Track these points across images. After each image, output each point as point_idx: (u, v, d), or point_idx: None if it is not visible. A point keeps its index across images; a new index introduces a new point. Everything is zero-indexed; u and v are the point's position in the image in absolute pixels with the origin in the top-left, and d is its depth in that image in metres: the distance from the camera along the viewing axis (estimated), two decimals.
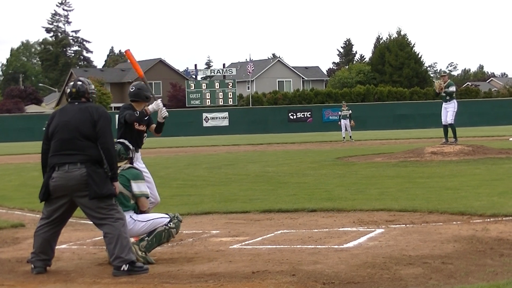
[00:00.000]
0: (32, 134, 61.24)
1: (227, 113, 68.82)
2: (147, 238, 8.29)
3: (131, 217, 8.26)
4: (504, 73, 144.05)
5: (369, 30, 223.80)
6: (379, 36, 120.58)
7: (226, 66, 79.66)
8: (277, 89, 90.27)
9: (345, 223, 10.67)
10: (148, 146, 24.51)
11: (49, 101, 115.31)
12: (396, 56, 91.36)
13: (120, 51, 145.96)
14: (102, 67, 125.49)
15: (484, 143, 27.25)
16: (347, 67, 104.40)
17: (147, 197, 8.61)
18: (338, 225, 10.44)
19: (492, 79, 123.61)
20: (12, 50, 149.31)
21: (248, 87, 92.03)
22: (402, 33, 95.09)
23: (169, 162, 26.63)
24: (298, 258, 8.01)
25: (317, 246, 8.77)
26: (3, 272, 8.02)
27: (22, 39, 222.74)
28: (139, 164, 9.33)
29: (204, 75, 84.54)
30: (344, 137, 40.58)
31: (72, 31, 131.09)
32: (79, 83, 8.03)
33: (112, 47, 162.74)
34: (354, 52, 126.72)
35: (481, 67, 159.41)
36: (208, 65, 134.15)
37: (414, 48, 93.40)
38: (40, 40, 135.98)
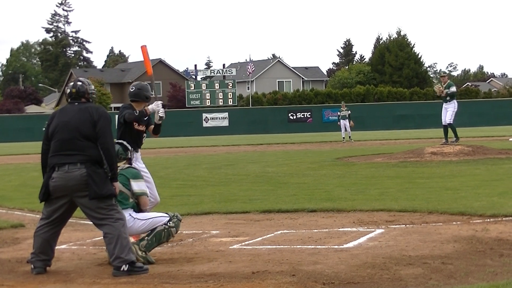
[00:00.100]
0: (32, 134, 61.27)
1: (227, 113, 68.85)
2: (147, 237, 8.29)
3: (130, 215, 8.26)
4: (504, 74, 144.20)
5: (369, 31, 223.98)
6: (379, 36, 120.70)
7: (226, 66, 79.67)
8: (277, 89, 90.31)
9: (345, 223, 10.67)
10: (147, 146, 24.51)
11: (49, 102, 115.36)
12: (396, 56, 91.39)
13: (120, 51, 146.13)
14: (102, 67, 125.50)
15: (484, 143, 27.27)
16: (347, 67, 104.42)
17: (147, 196, 8.62)
18: (338, 226, 10.44)
19: (492, 80, 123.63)
20: (12, 50, 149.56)
21: (248, 87, 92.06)
22: (402, 33, 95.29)
23: (169, 162, 26.63)
24: (298, 258, 8.02)
25: (317, 247, 8.77)
26: (3, 272, 8.02)
27: (22, 39, 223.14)
28: (139, 164, 9.33)
29: (204, 76, 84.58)
30: (343, 138, 40.62)
31: (72, 32, 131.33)
32: (79, 83, 8.03)
33: (112, 47, 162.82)
34: (354, 52, 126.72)
35: (481, 67, 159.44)
36: (208, 65, 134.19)
37: (414, 49, 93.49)
38: (40, 41, 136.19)
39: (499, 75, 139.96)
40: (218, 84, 73.19)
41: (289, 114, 68.45)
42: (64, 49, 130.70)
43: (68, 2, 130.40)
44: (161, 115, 9.33)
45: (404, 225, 10.21)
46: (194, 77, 76.50)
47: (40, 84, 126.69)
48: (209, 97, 72.24)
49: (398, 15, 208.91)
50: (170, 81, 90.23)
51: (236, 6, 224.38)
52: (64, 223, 8.08)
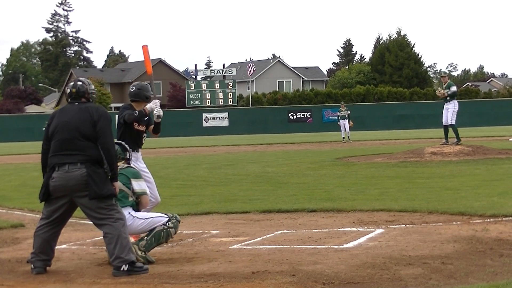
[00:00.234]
0: (32, 134, 61.28)
1: (227, 113, 68.84)
2: (146, 237, 8.29)
3: (129, 213, 8.26)
4: (504, 74, 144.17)
5: (369, 31, 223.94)
6: (379, 36, 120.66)
7: (226, 66, 79.67)
8: (277, 89, 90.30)
9: (345, 223, 10.67)
10: (148, 146, 24.51)
11: (49, 101, 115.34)
12: (396, 56, 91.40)
13: (120, 51, 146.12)
14: (102, 67, 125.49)
15: (484, 143, 27.27)
16: (347, 67, 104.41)
17: (148, 195, 8.63)
18: (338, 225, 10.44)
19: (492, 80, 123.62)
20: (12, 50, 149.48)
21: (248, 87, 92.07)
22: (402, 33, 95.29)
23: (169, 162, 26.63)
24: (298, 258, 8.02)
25: (317, 246, 8.77)
26: (3, 272, 8.02)
27: (22, 39, 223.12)
28: (140, 164, 9.33)
29: (204, 75, 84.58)
30: (343, 138, 40.64)
31: (72, 31, 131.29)
32: (79, 83, 8.03)
33: (112, 47, 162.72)
34: (354, 52, 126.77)
35: (481, 67, 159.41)
36: (208, 65, 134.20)
37: (414, 49, 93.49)
38: (40, 40, 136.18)
39: (499, 75, 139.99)
40: (218, 84, 73.19)
41: (289, 114, 68.44)
42: (64, 49, 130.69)
43: (68, 2, 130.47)
44: (157, 113, 9.33)
45: (404, 225, 10.21)
46: (194, 77, 76.49)
47: (40, 84, 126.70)
48: (209, 97, 72.23)
49: (398, 15, 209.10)
50: (170, 81, 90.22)
51: (236, 6, 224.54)
52: (64, 223, 8.08)
